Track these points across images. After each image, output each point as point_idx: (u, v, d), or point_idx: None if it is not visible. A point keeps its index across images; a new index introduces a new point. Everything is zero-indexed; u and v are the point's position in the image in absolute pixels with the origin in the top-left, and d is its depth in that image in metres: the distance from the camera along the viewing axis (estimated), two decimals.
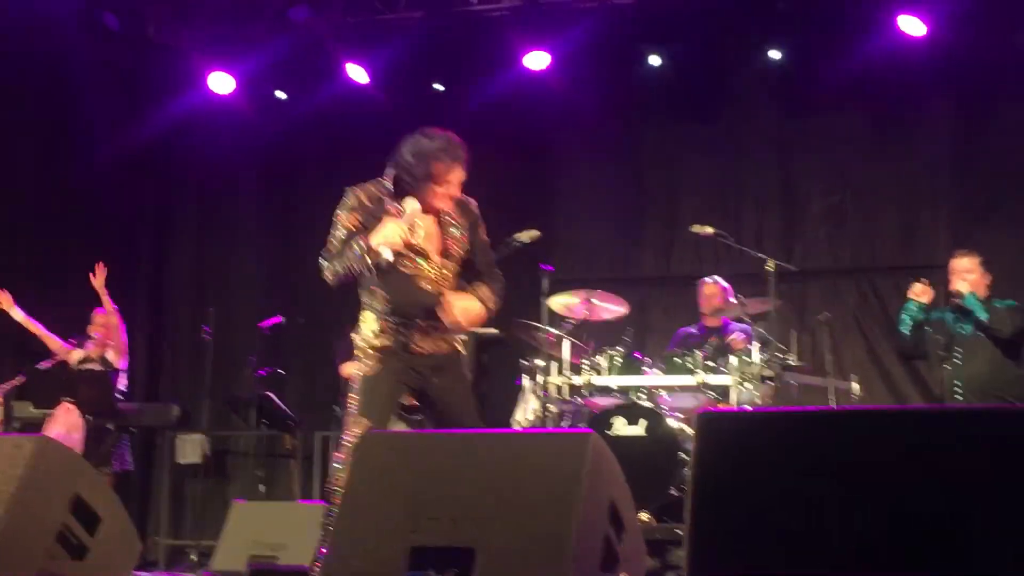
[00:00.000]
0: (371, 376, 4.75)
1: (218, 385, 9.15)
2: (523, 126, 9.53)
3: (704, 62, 9.30)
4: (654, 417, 6.98)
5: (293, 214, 10.45)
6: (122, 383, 8.68)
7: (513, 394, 7.54)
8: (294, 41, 9.39)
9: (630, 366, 7.33)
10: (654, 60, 9.26)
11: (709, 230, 7.36)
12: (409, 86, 9.73)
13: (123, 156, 10.02)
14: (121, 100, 9.91)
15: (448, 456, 3.58)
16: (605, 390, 7.38)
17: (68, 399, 7.99)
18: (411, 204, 4.77)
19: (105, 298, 8.52)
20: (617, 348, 7.36)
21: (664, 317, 9.34)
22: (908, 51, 8.54)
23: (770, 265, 7.05)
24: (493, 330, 7.71)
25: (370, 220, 4.80)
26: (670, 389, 7.32)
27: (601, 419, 7.05)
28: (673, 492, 6.74)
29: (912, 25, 8.38)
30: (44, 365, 8.52)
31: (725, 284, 8.02)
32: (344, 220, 4.91)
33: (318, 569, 3.99)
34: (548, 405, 7.09)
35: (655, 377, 7.28)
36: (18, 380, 8.42)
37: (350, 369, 7.57)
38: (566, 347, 7.29)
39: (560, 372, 7.27)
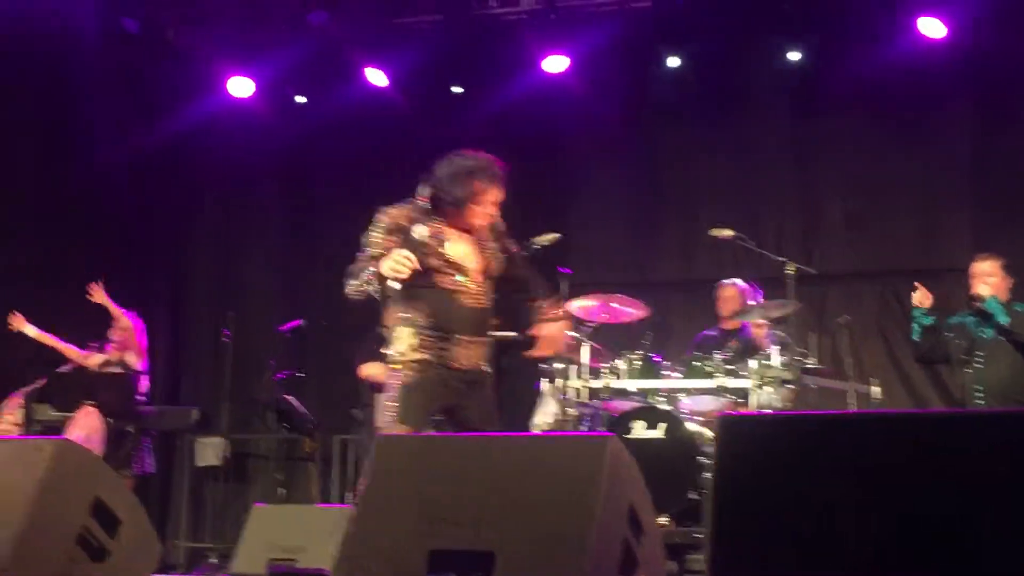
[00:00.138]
0: (409, 385, 4.85)
1: (238, 388, 9.17)
2: (541, 129, 9.53)
3: (722, 65, 9.29)
4: (673, 420, 6.97)
5: (312, 217, 10.48)
6: (143, 386, 8.71)
7: (532, 398, 7.53)
8: (313, 45, 9.42)
9: (649, 369, 7.32)
10: (672, 63, 9.26)
11: (728, 233, 7.34)
12: (428, 90, 9.75)
13: (143, 160, 10.07)
14: (140, 104, 9.96)
15: (467, 459, 3.57)
16: (624, 393, 7.37)
17: (89, 402, 8.01)
18: (419, 230, 4.87)
19: (113, 309, 8.52)
20: (636, 352, 7.35)
21: (683, 320, 9.31)
22: (927, 53, 8.52)
23: (790, 268, 7.02)
24: (512, 333, 7.70)
25: (409, 240, 4.91)
26: (689, 392, 7.31)
27: (620, 422, 7.04)
28: (692, 496, 6.71)
29: (932, 27, 8.35)
30: (64, 368, 8.55)
31: (744, 286, 8.00)
32: (379, 241, 4.98)
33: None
34: (567, 408, 7.08)
35: (674, 380, 7.27)
36: (39, 383, 8.45)
37: (369, 370, 7.65)
38: (585, 350, 7.28)
39: (579, 375, 7.27)
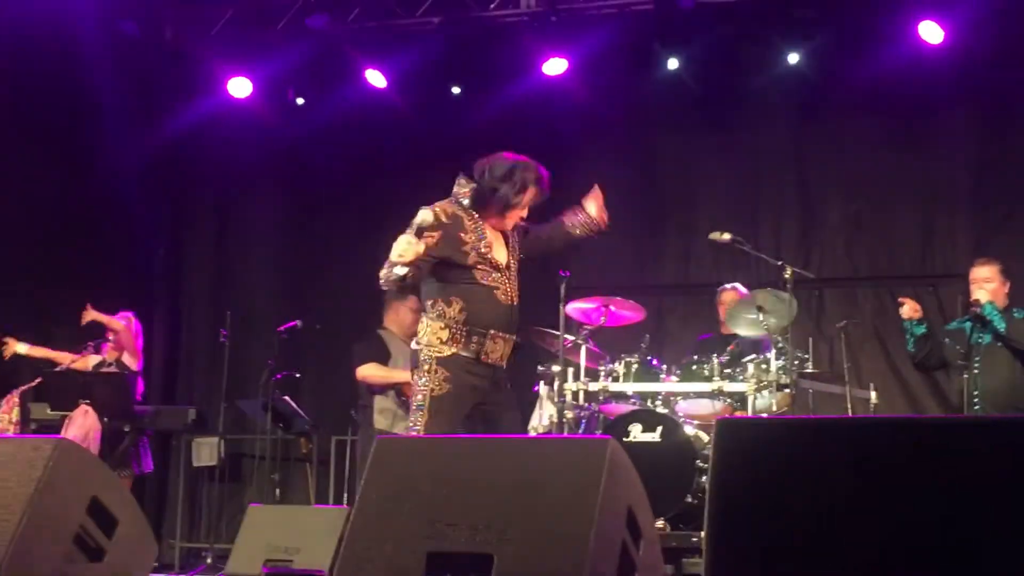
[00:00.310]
0: (440, 396, 4.95)
1: (234, 389, 9.17)
2: (541, 132, 9.53)
3: (722, 68, 9.29)
4: (670, 424, 6.97)
5: (310, 218, 10.49)
6: (138, 386, 8.70)
7: (530, 400, 7.54)
8: (312, 46, 9.42)
9: (647, 372, 7.32)
10: (672, 66, 9.25)
11: (727, 237, 7.34)
12: (427, 91, 9.75)
13: (142, 160, 10.09)
14: (139, 106, 9.95)
15: (465, 462, 3.57)
16: (621, 396, 7.37)
17: (85, 401, 8.00)
18: (423, 214, 4.94)
19: (104, 319, 8.50)
20: (634, 355, 7.35)
21: (681, 324, 9.34)
22: (926, 58, 8.51)
23: (788, 272, 7.02)
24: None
25: (449, 235, 5.01)
26: (686, 396, 7.31)
27: (617, 425, 7.04)
28: (689, 499, 6.71)
29: (932, 32, 8.36)
30: (60, 367, 8.55)
31: (744, 291, 8.00)
32: (424, 236, 4.99)
33: None
34: (564, 411, 7.08)
35: (671, 384, 7.27)
36: (35, 382, 8.45)
37: (365, 372, 7.65)
38: (583, 353, 7.29)
39: (577, 378, 7.27)
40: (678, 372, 7.32)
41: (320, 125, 9.87)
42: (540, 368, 7.51)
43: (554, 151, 9.84)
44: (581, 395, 7.23)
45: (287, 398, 8.86)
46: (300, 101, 10.07)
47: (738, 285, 8.09)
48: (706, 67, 9.28)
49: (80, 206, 9.79)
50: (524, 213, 5.23)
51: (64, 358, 8.60)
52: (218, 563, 8.24)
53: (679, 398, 7.34)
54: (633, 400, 7.38)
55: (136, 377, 8.57)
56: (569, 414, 7.13)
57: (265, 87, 9.86)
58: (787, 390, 6.96)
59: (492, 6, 9.10)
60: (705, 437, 6.91)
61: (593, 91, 9.36)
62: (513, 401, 5.35)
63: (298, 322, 8.71)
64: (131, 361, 8.56)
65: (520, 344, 5.34)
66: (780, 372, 6.96)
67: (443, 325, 4.99)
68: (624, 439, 6.83)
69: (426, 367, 4.97)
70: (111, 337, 8.57)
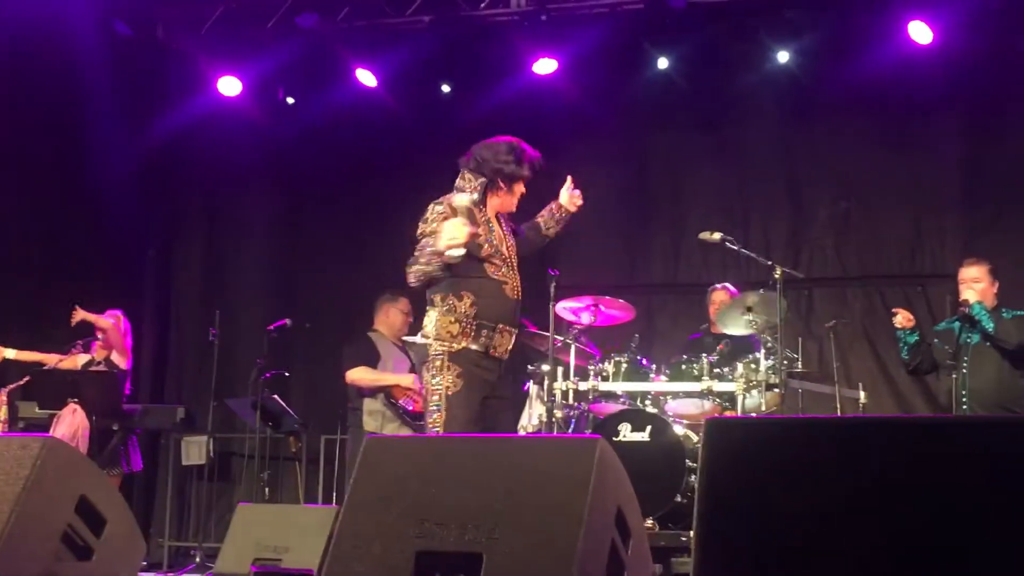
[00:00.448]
0: (455, 395, 4.98)
1: (223, 387, 9.16)
2: (531, 131, 9.49)
3: (712, 68, 9.30)
4: (660, 423, 6.97)
5: (300, 217, 10.48)
6: (127, 385, 8.68)
7: (519, 399, 7.54)
8: (302, 45, 9.41)
9: (636, 372, 7.33)
10: (662, 66, 9.26)
11: (717, 236, 7.35)
12: (418, 91, 9.75)
13: (132, 160, 10.06)
14: (130, 105, 9.92)
15: (454, 461, 3.57)
16: (611, 396, 7.38)
17: (74, 400, 7.98)
18: (462, 199, 5.01)
19: (93, 319, 8.48)
20: (623, 354, 7.35)
21: (671, 324, 9.35)
22: (916, 58, 8.53)
23: (777, 272, 7.03)
24: None
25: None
26: (676, 395, 7.31)
27: (607, 425, 7.04)
28: (678, 499, 6.72)
29: (921, 33, 8.37)
30: (49, 366, 8.53)
31: (734, 290, 8.01)
32: (437, 229, 5.00)
33: None
34: (554, 410, 7.08)
35: (661, 383, 7.27)
36: (23, 380, 8.43)
37: (355, 375, 7.64)
38: (572, 352, 7.29)
39: (566, 378, 7.27)
40: (667, 372, 7.33)
41: (310, 124, 9.87)
42: (530, 367, 7.51)
43: (544, 150, 9.81)
44: (571, 394, 7.23)
45: (276, 397, 8.85)
46: (290, 100, 10.07)
47: (728, 285, 8.10)
48: (696, 67, 9.30)
49: (70, 205, 9.77)
50: (523, 191, 5.32)
51: (52, 359, 8.58)
52: (207, 562, 8.23)
53: (668, 398, 7.34)
54: (623, 400, 7.38)
55: (125, 376, 8.55)
56: (558, 413, 7.14)
57: (255, 86, 9.86)
58: (776, 390, 6.97)
59: (482, 5, 9.10)
60: (694, 437, 6.92)
61: (583, 90, 9.37)
62: (510, 398, 5.44)
63: (287, 321, 8.70)
64: (120, 360, 8.55)
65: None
66: (769, 372, 6.97)
67: (453, 319, 5.02)
68: (613, 439, 6.83)
69: (438, 363, 5.00)
70: (99, 336, 8.56)
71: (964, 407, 6.83)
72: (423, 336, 5.13)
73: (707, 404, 7.22)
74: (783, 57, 8.97)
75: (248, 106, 9.97)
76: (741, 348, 7.40)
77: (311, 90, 9.94)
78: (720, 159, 9.46)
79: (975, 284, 6.96)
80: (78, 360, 8.59)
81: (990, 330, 6.80)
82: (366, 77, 9.52)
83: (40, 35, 8.91)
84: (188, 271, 10.79)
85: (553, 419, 7.03)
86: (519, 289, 5.24)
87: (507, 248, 5.25)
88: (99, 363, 8.53)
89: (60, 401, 8.01)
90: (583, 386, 7.25)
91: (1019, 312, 6.91)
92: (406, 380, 7.61)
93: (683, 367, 7.29)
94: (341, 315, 9.25)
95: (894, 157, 9.00)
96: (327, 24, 9.26)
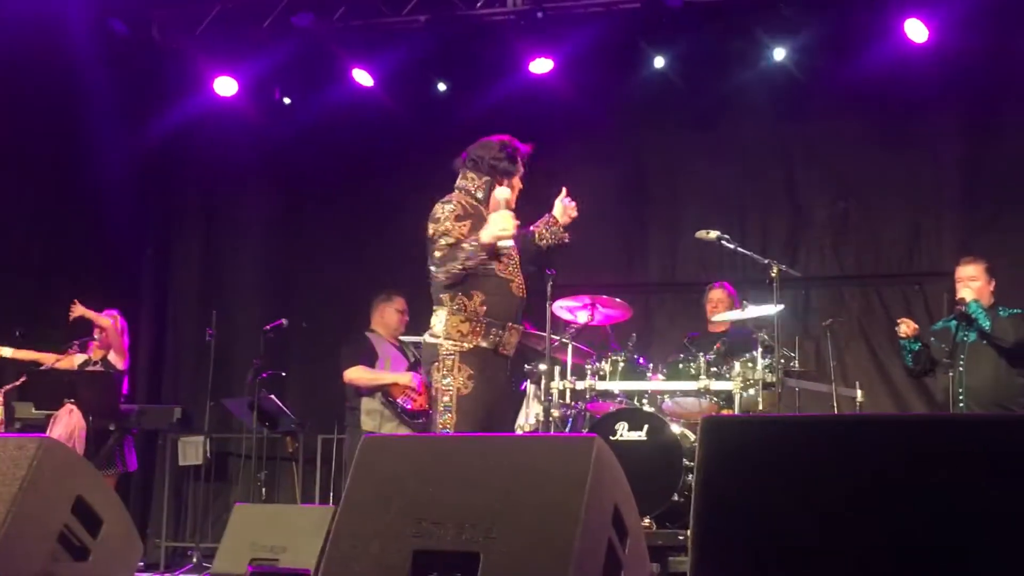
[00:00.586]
0: (467, 396, 4.99)
1: (220, 387, 9.16)
2: (527, 130, 9.48)
3: (709, 67, 9.29)
4: (657, 422, 6.97)
5: (297, 217, 10.48)
6: (124, 385, 8.67)
7: (516, 398, 7.53)
8: (298, 45, 9.40)
9: (633, 371, 7.32)
10: (659, 65, 9.26)
11: (713, 235, 7.34)
12: (414, 90, 9.74)
13: (129, 159, 10.06)
14: (127, 104, 9.91)
15: (451, 460, 3.57)
16: (608, 395, 7.37)
17: (71, 400, 7.97)
18: (503, 192, 5.11)
19: (93, 316, 8.48)
20: (620, 353, 7.35)
21: (668, 322, 9.35)
22: (913, 57, 8.54)
23: (774, 271, 7.03)
24: None
25: (478, 226, 5.07)
26: (673, 394, 7.31)
27: (604, 424, 7.04)
28: (675, 498, 6.72)
29: (918, 31, 8.38)
30: (45, 366, 8.52)
31: (731, 289, 8.02)
32: (453, 228, 5.06)
33: None
34: (551, 410, 7.08)
35: (658, 382, 7.27)
36: (19, 381, 8.42)
37: (352, 375, 7.63)
38: (569, 352, 7.29)
39: (563, 377, 7.27)
40: (665, 371, 7.32)
41: (307, 124, 9.86)
42: (527, 367, 7.50)
43: (541, 149, 9.80)
44: (568, 394, 7.23)
45: (273, 397, 8.85)
46: (287, 100, 10.06)
47: (725, 283, 8.10)
48: (693, 66, 9.29)
49: (66, 205, 9.77)
50: (520, 186, 5.35)
51: (49, 359, 8.57)
52: (204, 562, 8.22)
53: (666, 396, 7.34)
54: (620, 399, 7.38)
55: (122, 376, 8.54)
56: (555, 413, 7.13)
57: (251, 86, 9.86)
58: (773, 389, 6.97)
59: (478, 4, 9.10)
60: (691, 436, 6.91)
61: (580, 89, 9.37)
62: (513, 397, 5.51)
63: (284, 321, 8.69)
64: (117, 360, 8.53)
65: None
66: (766, 371, 6.96)
67: (464, 318, 5.04)
68: (611, 438, 6.83)
69: (448, 363, 5.00)
70: (97, 335, 8.54)
71: (961, 405, 6.84)
72: (431, 336, 5.11)
73: (704, 403, 7.22)
74: (779, 54, 8.95)
75: (244, 106, 9.97)
76: (738, 347, 7.40)
77: (307, 90, 9.94)
78: (717, 158, 9.46)
79: (972, 283, 6.97)
80: (75, 360, 8.58)
81: (987, 328, 6.81)
82: (362, 77, 9.52)
83: (38, 35, 8.90)
84: (185, 271, 10.78)
85: (550, 418, 7.03)
86: (524, 287, 5.26)
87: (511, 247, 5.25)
88: (96, 363, 8.52)
89: (57, 402, 8.00)
90: (580, 385, 7.25)
91: (1015, 310, 6.92)
92: (404, 378, 7.61)
93: (680, 366, 7.29)
94: (338, 315, 9.24)
95: (891, 156, 9.01)
96: (323, 24, 9.26)
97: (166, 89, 10.14)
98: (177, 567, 8.68)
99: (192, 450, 9.56)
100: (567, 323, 7.47)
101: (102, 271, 9.86)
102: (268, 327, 8.66)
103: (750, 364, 7.04)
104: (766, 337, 7.12)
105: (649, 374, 7.31)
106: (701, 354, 7.22)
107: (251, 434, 8.99)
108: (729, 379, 7.05)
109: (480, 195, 5.23)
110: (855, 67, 8.69)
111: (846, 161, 9.12)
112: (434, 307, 5.19)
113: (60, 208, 9.72)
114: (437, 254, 5.03)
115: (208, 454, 9.29)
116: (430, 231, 5.11)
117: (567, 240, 5.49)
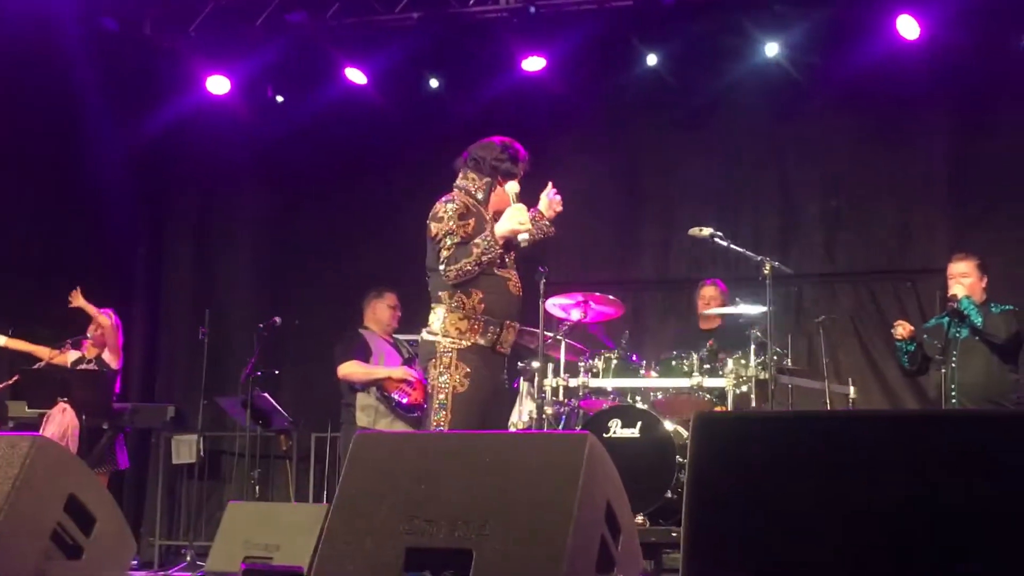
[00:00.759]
0: (463, 393, 5.00)
1: (213, 386, 9.15)
2: (520, 127, 9.50)
3: (701, 64, 9.29)
4: (650, 419, 6.97)
5: (290, 215, 10.46)
6: (117, 384, 8.66)
7: (510, 396, 7.53)
8: (291, 43, 9.40)
9: (626, 368, 7.33)
10: (651, 62, 9.26)
11: (706, 232, 7.34)
12: (407, 88, 9.74)
13: (122, 157, 10.05)
14: (119, 103, 9.90)
15: (444, 457, 3.57)
16: (601, 392, 7.37)
17: (64, 399, 7.96)
18: (513, 187, 5.19)
19: (92, 311, 8.47)
20: (613, 350, 7.35)
21: (660, 319, 9.35)
22: (905, 54, 8.55)
23: (767, 268, 7.04)
24: None
25: (479, 225, 5.11)
26: (666, 391, 7.31)
27: (596, 421, 7.03)
28: (668, 494, 6.72)
29: (908, 27, 8.39)
30: (39, 365, 8.51)
31: (723, 286, 8.02)
32: (458, 227, 5.08)
33: None
34: (544, 407, 7.08)
35: (651, 379, 7.27)
36: (12, 379, 8.41)
37: (347, 370, 7.63)
38: (562, 349, 7.29)
39: (556, 374, 7.27)
40: (657, 368, 7.32)
41: (300, 122, 9.85)
42: (520, 364, 7.50)
43: (534, 147, 9.78)
44: (561, 391, 7.23)
45: (266, 395, 8.84)
46: (280, 98, 10.05)
47: (718, 281, 8.11)
48: (685, 63, 9.29)
49: (59, 204, 9.76)
50: (518, 188, 5.34)
51: (43, 352, 8.56)
52: (198, 560, 8.22)
53: (659, 393, 7.34)
54: (613, 396, 7.38)
55: (115, 375, 8.53)
56: (548, 410, 7.13)
57: (244, 85, 9.85)
58: (766, 385, 6.98)
59: (471, 2, 9.09)
60: (685, 433, 6.91)
61: (572, 86, 9.37)
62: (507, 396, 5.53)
63: (277, 319, 8.69)
64: (111, 359, 8.52)
65: None
66: (759, 367, 6.97)
67: (462, 316, 5.05)
68: (604, 435, 6.82)
69: (446, 360, 5.01)
70: (90, 333, 8.53)
71: (953, 401, 6.85)
72: (429, 333, 5.12)
73: (697, 400, 7.22)
74: (771, 50, 8.93)
75: (237, 104, 9.95)
76: (730, 344, 7.41)
77: (300, 88, 9.92)
78: (709, 155, 9.46)
79: (963, 279, 6.98)
80: (68, 357, 8.56)
81: (979, 324, 6.82)
82: (355, 74, 9.51)
83: (30, 32, 8.87)
84: (178, 269, 10.77)
85: (543, 416, 7.03)
86: (520, 285, 5.27)
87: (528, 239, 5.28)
88: (90, 361, 8.51)
89: (50, 400, 7.99)
90: (573, 382, 7.25)
91: (1007, 307, 6.93)
92: (398, 372, 7.60)
93: (673, 363, 7.28)
94: (331, 313, 9.24)
95: (883, 152, 9.01)
96: (316, 21, 9.25)
97: (159, 87, 10.12)
98: (171, 565, 8.69)
99: (186, 448, 9.55)
100: (560, 320, 7.47)
101: (94, 269, 9.85)
102: (262, 325, 8.66)
103: (743, 361, 7.05)
104: (759, 334, 7.13)
105: (642, 371, 7.32)
106: (693, 351, 7.23)
107: (244, 432, 8.99)
108: (722, 376, 7.06)
109: (480, 195, 5.23)
110: (847, 64, 8.70)
111: (838, 158, 9.12)
112: (432, 304, 5.19)
113: (53, 207, 9.72)
114: (444, 254, 5.03)
115: (202, 452, 9.28)
116: (432, 230, 5.11)
117: (552, 233, 5.47)
